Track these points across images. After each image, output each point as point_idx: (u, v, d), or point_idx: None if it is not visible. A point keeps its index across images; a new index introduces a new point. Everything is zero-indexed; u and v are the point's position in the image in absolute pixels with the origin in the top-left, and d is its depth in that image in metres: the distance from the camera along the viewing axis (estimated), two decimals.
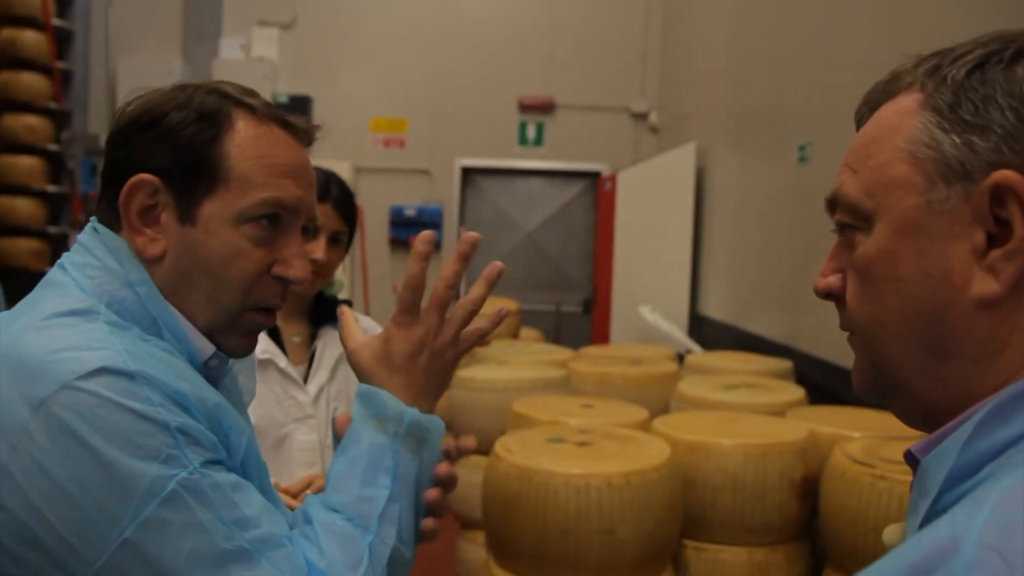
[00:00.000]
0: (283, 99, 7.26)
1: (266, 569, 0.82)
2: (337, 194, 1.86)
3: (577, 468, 2.01)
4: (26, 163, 6.63)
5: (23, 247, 6.57)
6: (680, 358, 4.12)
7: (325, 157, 6.97)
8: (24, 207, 6.62)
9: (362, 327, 2.03)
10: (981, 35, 0.66)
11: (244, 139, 0.94)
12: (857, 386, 0.73)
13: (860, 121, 0.73)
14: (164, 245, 0.93)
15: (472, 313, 1.02)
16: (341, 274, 2.16)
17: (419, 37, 7.41)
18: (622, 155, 7.39)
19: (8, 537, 0.79)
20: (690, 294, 5.61)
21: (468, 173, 7.67)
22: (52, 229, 6.78)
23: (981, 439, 0.58)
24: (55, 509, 0.78)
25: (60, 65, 6.81)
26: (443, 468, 0.99)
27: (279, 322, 1.89)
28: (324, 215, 1.83)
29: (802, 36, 3.97)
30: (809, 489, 2.27)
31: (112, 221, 0.96)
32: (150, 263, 0.94)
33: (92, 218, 0.99)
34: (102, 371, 0.80)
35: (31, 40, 6.56)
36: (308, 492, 1.43)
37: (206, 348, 0.96)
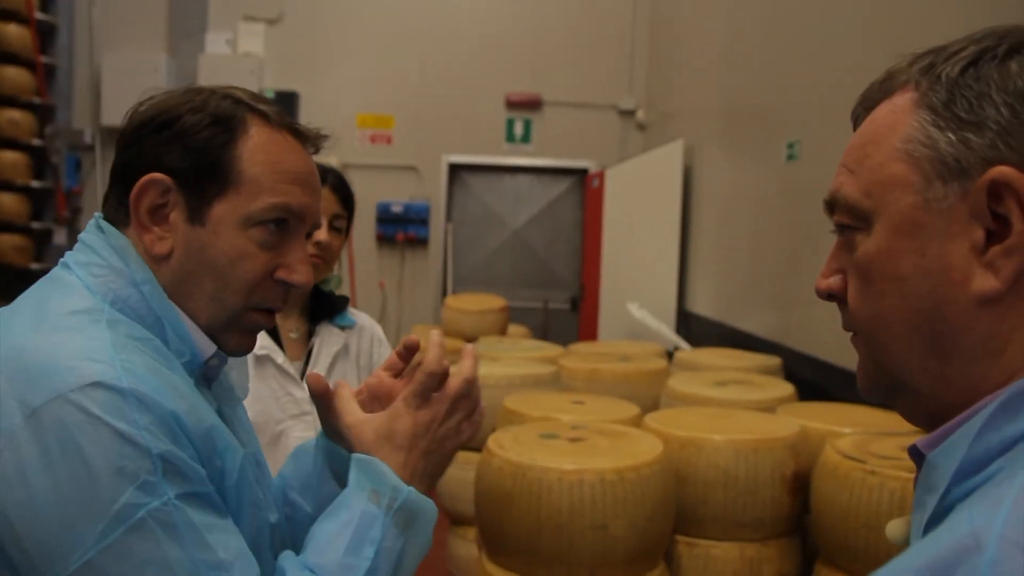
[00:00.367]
0: (269, 95, 7.23)
1: None
2: (334, 179, 1.90)
3: (570, 464, 2.01)
4: (9, 158, 6.57)
5: (6, 243, 6.51)
6: (669, 355, 4.13)
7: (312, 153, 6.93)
8: (7, 202, 6.56)
9: (360, 324, 2.03)
10: (974, 32, 0.66)
11: (257, 144, 0.95)
12: (861, 387, 0.72)
13: (857, 121, 0.72)
14: (171, 244, 0.95)
15: (474, 408, 1.05)
16: (337, 270, 2.17)
17: (406, 33, 7.39)
18: (610, 152, 7.39)
19: None
20: (678, 291, 5.63)
21: (455, 170, 7.66)
22: (35, 224, 6.72)
23: (991, 433, 0.58)
24: (24, 520, 0.78)
25: (44, 59, 6.75)
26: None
27: (277, 318, 1.89)
28: (324, 199, 1.85)
29: (790, 33, 3.98)
30: (800, 485, 2.28)
31: (119, 218, 0.97)
32: (156, 261, 0.95)
33: (96, 215, 0.99)
34: (96, 385, 0.80)
35: (14, 34, 6.50)
36: None
37: (207, 347, 0.97)
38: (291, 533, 1.11)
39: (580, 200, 7.60)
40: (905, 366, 0.66)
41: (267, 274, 0.97)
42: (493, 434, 2.29)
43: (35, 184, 6.71)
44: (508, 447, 2.13)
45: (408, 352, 1.12)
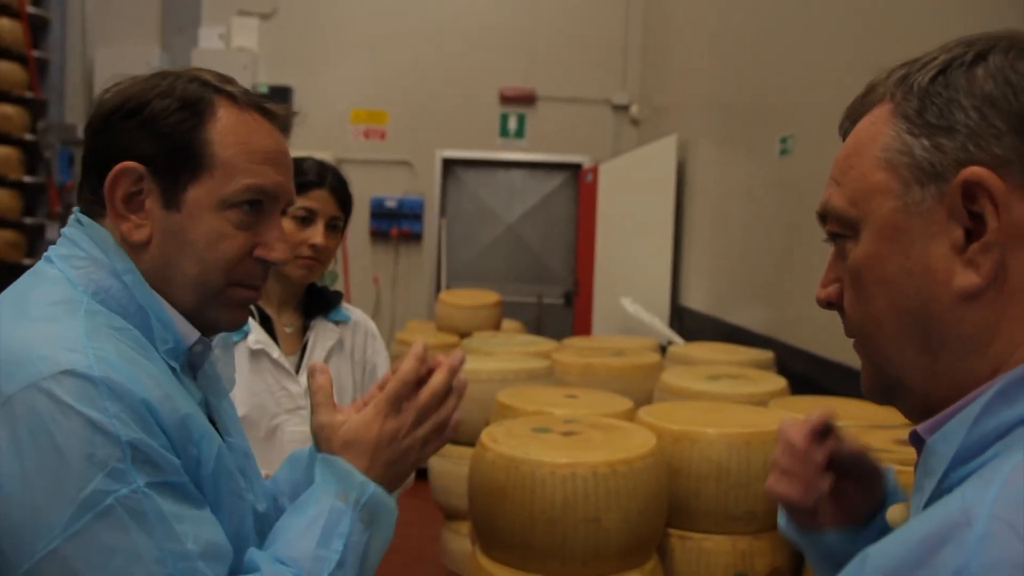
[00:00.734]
0: (263, 89, 7.21)
1: None
2: (333, 180, 1.88)
3: (564, 457, 2.02)
4: (1, 153, 6.54)
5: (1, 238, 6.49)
6: (662, 349, 4.14)
7: (306, 148, 6.92)
8: (2, 198, 6.54)
9: (354, 318, 2.04)
10: (947, 42, 0.69)
11: (226, 126, 0.96)
12: (865, 389, 0.75)
13: (844, 134, 0.76)
14: (149, 231, 0.95)
15: (445, 424, 1.06)
16: (332, 265, 2.18)
17: (400, 28, 7.38)
18: (603, 147, 7.40)
19: None
20: (671, 286, 5.64)
21: (449, 165, 7.65)
22: (28, 220, 6.70)
23: (988, 419, 0.60)
24: None
25: (36, 54, 6.73)
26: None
27: (272, 313, 1.89)
28: (321, 201, 1.85)
29: (784, 29, 3.99)
30: None
31: (94, 209, 0.98)
32: (136, 249, 0.95)
33: (75, 209, 1.00)
34: (68, 374, 0.81)
35: (6, 28, 6.47)
36: None
37: (191, 334, 0.98)
38: None
39: (574, 195, 7.60)
40: (899, 365, 0.69)
41: (246, 253, 0.98)
42: (486, 428, 2.29)
43: (28, 179, 6.68)
44: (501, 441, 2.13)
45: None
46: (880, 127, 0.69)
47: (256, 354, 1.84)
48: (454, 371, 1.06)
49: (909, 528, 0.54)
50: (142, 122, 0.94)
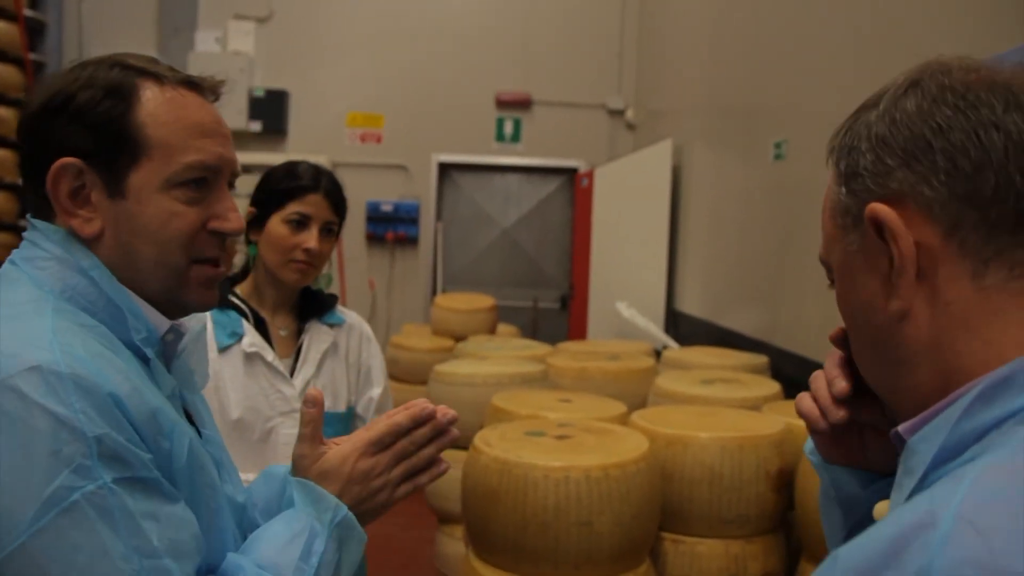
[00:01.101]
0: (259, 93, 7.22)
1: None
2: (327, 185, 1.88)
3: (556, 461, 2.02)
4: (1, 157, 6.54)
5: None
6: (657, 354, 4.15)
7: (302, 152, 6.95)
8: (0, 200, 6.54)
9: (349, 322, 2.04)
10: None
11: (155, 107, 0.96)
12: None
13: None
14: (100, 223, 0.95)
15: (419, 470, 1.09)
16: (327, 269, 2.18)
17: (396, 32, 7.39)
18: (599, 152, 7.41)
19: None
20: (667, 290, 5.64)
21: (445, 169, 7.66)
22: (23, 222, 6.69)
23: (967, 421, 0.62)
24: None
25: (33, 57, 6.73)
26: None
27: (267, 316, 1.90)
28: (315, 206, 1.85)
29: (778, 34, 4.00)
30: (785, 482, 2.30)
31: (45, 211, 0.98)
32: (91, 243, 0.96)
33: (28, 216, 1.00)
34: (34, 370, 0.80)
35: (3, 31, 6.47)
36: None
37: (162, 323, 0.99)
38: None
39: (569, 199, 7.62)
40: (877, 384, 0.77)
41: (200, 227, 0.99)
42: (480, 432, 2.30)
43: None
44: (495, 444, 2.14)
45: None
46: (829, 183, 0.77)
47: (251, 357, 1.84)
48: (438, 427, 1.08)
49: (878, 529, 0.56)
50: (70, 116, 0.94)
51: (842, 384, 0.83)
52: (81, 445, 0.79)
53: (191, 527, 0.88)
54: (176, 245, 0.97)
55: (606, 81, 7.51)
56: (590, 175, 6.25)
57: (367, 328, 2.07)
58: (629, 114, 7.46)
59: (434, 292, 7.33)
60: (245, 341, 1.84)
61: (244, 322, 1.87)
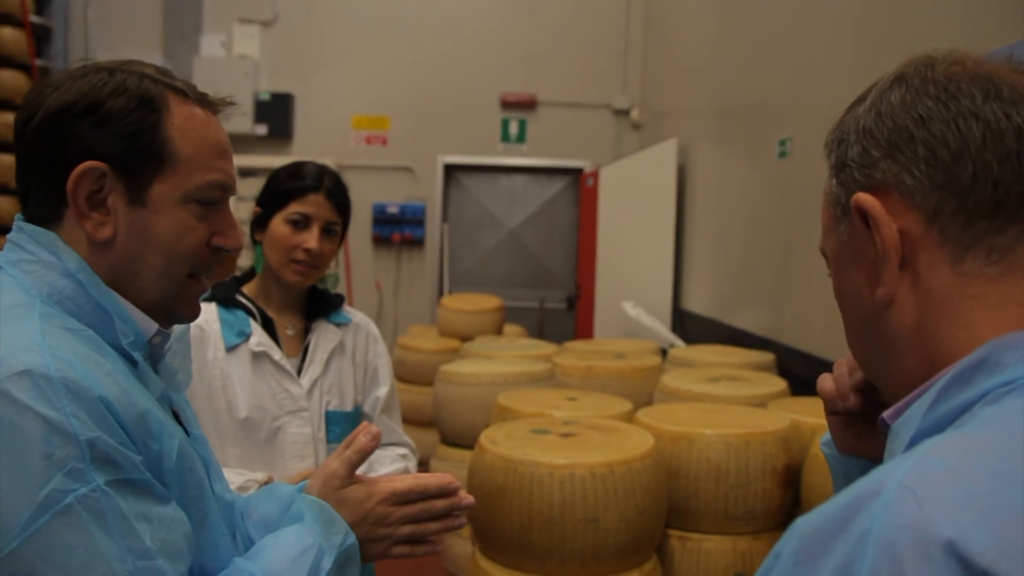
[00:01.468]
0: (264, 97, 7.24)
1: None
2: (330, 185, 1.88)
3: (561, 458, 2.02)
4: (5, 161, 6.57)
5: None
6: (663, 352, 4.15)
7: (307, 155, 6.96)
8: (3, 205, 6.56)
9: (355, 321, 2.05)
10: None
11: (182, 122, 0.98)
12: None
13: None
14: (113, 228, 0.96)
15: (420, 540, 1.16)
16: (334, 269, 2.19)
17: (401, 34, 7.40)
18: (604, 151, 7.42)
19: None
20: (673, 289, 5.64)
21: (451, 170, 7.67)
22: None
23: (942, 404, 0.64)
24: None
25: (39, 63, 6.76)
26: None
27: (273, 315, 1.91)
28: (317, 206, 1.85)
29: (782, 31, 4.00)
30: (791, 478, 2.30)
31: (43, 214, 0.97)
32: (100, 246, 0.96)
33: (17, 216, 0.99)
34: (24, 374, 0.80)
35: (9, 37, 6.50)
36: None
37: (149, 326, 0.99)
38: None
39: (575, 199, 7.62)
40: (868, 370, 0.79)
41: (205, 243, 1.01)
42: (485, 430, 2.30)
43: None
44: (500, 442, 2.14)
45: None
46: (826, 177, 0.79)
47: (258, 356, 1.85)
48: (455, 504, 1.15)
49: (834, 499, 0.58)
50: (98, 121, 0.94)
51: (860, 374, 0.85)
52: (73, 448, 0.79)
53: (183, 527, 0.89)
54: (183, 258, 0.99)
55: (611, 81, 7.52)
56: (595, 175, 6.25)
57: (373, 327, 2.08)
58: (634, 114, 7.46)
59: (440, 293, 7.34)
60: (252, 340, 1.85)
61: (251, 321, 1.87)
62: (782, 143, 3.84)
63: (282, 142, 7.38)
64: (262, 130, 7.21)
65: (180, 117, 0.98)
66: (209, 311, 1.85)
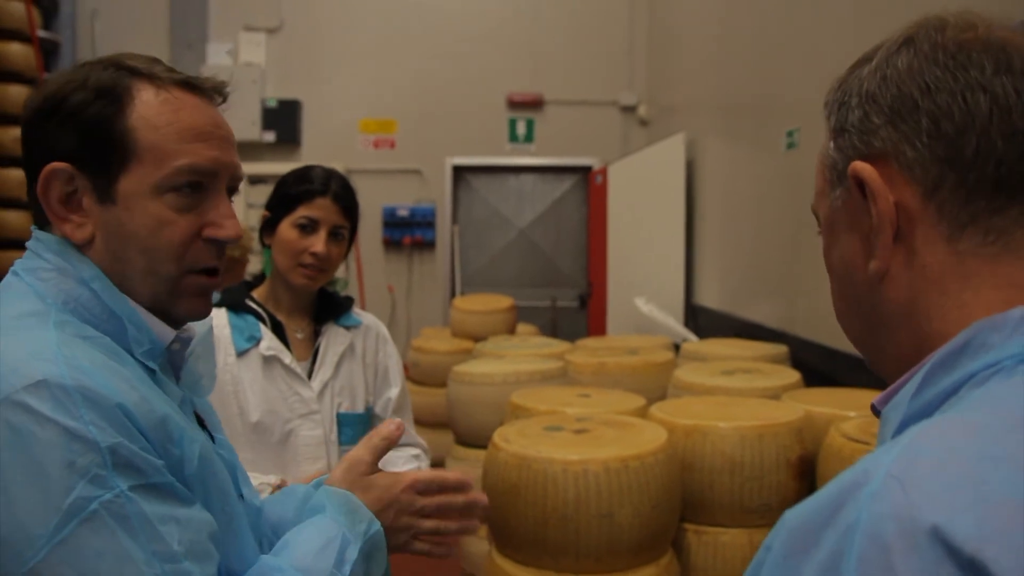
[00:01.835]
0: (272, 104, 7.27)
1: None
2: (337, 189, 1.88)
3: (575, 454, 2.02)
4: (15, 176, 6.61)
5: (13, 259, 6.53)
6: (676, 347, 4.14)
7: (316, 160, 6.96)
8: (13, 220, 6.61)
9: (365, 323, 2.06)
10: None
11: (147, 110, 0.93)
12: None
13: None
14: (91, 229, 0.93)
15: (438, 537, 1.18)
16: (344, 273, 2.19)
17: (406, 37, 7.42)
18: (612, 148, 7.41)
19: None
20: (685, 284, 5.63)
21: (459, 172, 7.68)
22: None
23: (928, 388, 0.63)
24: None
25: (47, 77, 6.80)
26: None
27: (283, 319, 1.91)
28: (324, 210, 1.85)
29: (787, 23, 3.99)
30: (806, 469, 2.28)
31: (39, 219, 0.97)
32: (84, 249, 0.94)
33: (33, 225, 0.99)
34: (41, 384, 0.80)
35: (17, 52, 6.55)
36: None
37: (166, 333, 0.97)
38: None
39: (584, 197, 7.61)
40: (857, 343, 0.77)
41: (193, 236, 0.95)
42: (499, 428, 2.30)
43: None
44: (513, 440, 2.14)
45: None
46: (824, 138, 0.77)
47: (268, 360, 1.86)
48: (471, 502, 1.18)
49: (823, 490, 0.57)
50: (62, 119, 0.91)
51: None
52: (95, 455, 0.79)
53: (209, 527, 0.88)
54: (166, 255, 0.94)
55: (617, 77, 7.51)
56: (604, 172, 6.24)
57: (383, 329, 2.08)
58: (641, 110, 7.45)
59: (452, 295, 7.34)
60: (263, 345, 1.86)
61: (261, 326, 1.88)
62: (790, 134, 3.82)
63: (290, 148, 7.41)
64: (270, 137, 7.24)
65: (145, 105, 0.93)
66: (219, 316, 1.85)
